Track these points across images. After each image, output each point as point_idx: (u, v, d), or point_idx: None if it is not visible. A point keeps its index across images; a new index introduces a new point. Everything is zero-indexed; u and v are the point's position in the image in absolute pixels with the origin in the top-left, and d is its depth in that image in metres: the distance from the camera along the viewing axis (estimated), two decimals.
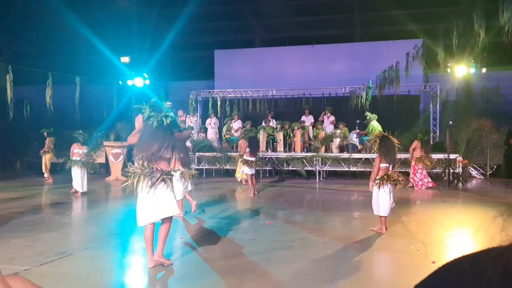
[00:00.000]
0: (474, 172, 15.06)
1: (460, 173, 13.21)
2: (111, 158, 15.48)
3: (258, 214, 8.74)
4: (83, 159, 11.57)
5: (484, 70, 16.25)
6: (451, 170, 13.16)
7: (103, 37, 17.78)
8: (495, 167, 15.21)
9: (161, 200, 5.05)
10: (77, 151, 11.52)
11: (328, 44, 19.80)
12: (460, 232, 7.19)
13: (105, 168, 16.21)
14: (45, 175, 14.48)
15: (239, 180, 13.41)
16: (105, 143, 15.77)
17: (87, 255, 5.65)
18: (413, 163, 12.49)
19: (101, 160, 16.22)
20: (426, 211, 9.05)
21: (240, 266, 5.16)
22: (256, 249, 6.04)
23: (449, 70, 15.83)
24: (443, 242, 6.43)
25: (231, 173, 14.95)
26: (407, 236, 6.63)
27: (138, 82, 18.41)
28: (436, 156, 13.65)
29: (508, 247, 0.58)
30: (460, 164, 13.38)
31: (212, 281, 4.69)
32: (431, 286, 0.64)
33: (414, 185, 12.42)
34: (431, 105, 17.04)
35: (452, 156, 13.24)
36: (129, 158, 14.44)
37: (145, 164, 5.03)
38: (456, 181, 12.95)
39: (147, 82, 18.66)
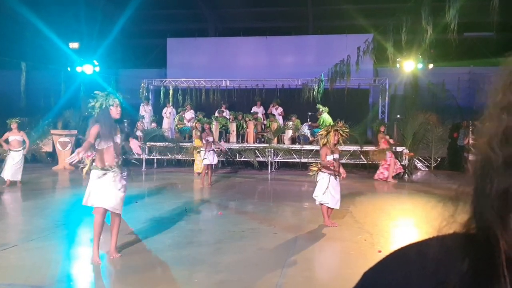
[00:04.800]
0: (419, 165, 15.67)
1: (406, 165, 13.71)
2: (58, 146, 14.94)
3: (210, 205, 8.74)
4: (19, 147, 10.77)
5: (431, 66, 16.88)
6: (398, 162, 13.63)
7: (48, 21, 16.95)
8: (439, 159, 15.88)
9: (114, 191, 4.94)
10: (14, 138, 10.74)
11: (282, 36, 19.90)
12: (405, 221, 7.49)
13: (52, 157, 15.62)
14: None
15: (198, 174, 13.02)
16: (52, 131, 15.19)
17: (32, 246, 5.45)
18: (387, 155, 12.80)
19: (48, 148, 15.62)
20: (373, 201, 9.34)
21: (191, 256, 5.14)
22: (207, 240, 6.04)
23: (398, 65, 16.33)
24: (389, 231, 6.68)
25: (183, 164, 14.80)
26: (355, 226, 6.83)
27: (88, 69, 17.81)
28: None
29: (450, 235, 0.61)
30: (406, 157, 13.89)
31: (162, 272, 4.65)
32: (378, 274, 0.67)
33: (386, 177, 12.70)
34: (380, 99, 17.54)
35: (399, 148, 13.71)
36: (77, 146, 13.96)
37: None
38: (402, 173, 13.43)
39: (97, 69, 18.08)
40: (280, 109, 16.79)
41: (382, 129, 13.37)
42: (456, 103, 16.34)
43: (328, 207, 6.80)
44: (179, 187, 11.44)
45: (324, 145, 6.82)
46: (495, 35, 17.32)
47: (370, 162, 13.97)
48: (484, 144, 0.60)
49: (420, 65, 16.31)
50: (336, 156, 6.81)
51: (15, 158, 10.61)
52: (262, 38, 19.86)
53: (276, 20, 21.43)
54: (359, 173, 13.91)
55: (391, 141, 13.21)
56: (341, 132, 6.84)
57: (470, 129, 14.43)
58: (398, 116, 14.52)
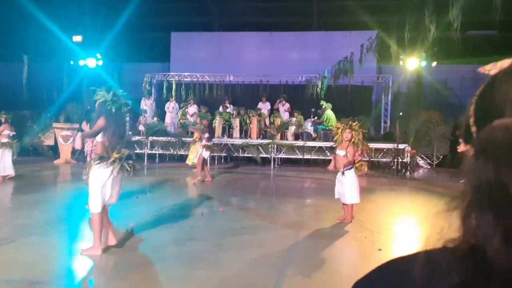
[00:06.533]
0: (421, 162, 15.63)
1: (408, 163, 13.67)
2: (60, 140, 14.94)
3: (212, 201, 8.73)
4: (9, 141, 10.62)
5: (434, 63, 16.80)
6: (400, 160, 13.61)
7: (52, 14, 16.95)
8: (441, 157, 15.83)
9: (115, 185, 5.05)
10: (7, 132, 10.58)
11: (286, 32, 19.85)
12: (406, 219, 7.47)
13: (54, 150, 15.64)
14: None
15: (191, 165, 13.12)
16: (54, 124, 15.19)
17: (32, 241, 5.45)
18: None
19: (50, 142, 15.64)
20: (374, 199, 9.31)
21: (191, 253, 5.14)
22: (207, 236, 6.04)
23: (401, 63, 16.26)
24: (390, 229, 6.66)
25: (185, 158, 14.78)
26: (356, 223, 6.80)
27: (91, 62, 17.80)
28: (386, 145, 14.07)
29: (439, 249, 0.61)
30: (409, 154, 13.85)
31: (161, 268, 4.65)
32: (368, 285, 0.69)
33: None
34: (383, 96, 17.48)
35: (401, 146, 13.67)
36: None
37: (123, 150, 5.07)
38: (404, 170, 13.40)
39: (100, 63, 18.07)
40: (287, 105, 16.76)
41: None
42: (459, 101, 16.25)
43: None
44: (181, 182, 11.44)
45: (352, 143, 6.82)
46: (498, 34, 17.22)
47: (372, 160, 13.93)
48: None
49: (423, 63, 16.23)
50: (344, 153, 6.79)
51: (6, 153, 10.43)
52: (266, 33, 19.81)
53: (280, 15, 21.36)
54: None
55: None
56: (354, 130, 6.87)
57: None
58: (401, 113, 14.45)
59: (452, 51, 15.56)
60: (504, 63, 0.73)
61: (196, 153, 11.71)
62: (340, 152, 6.84)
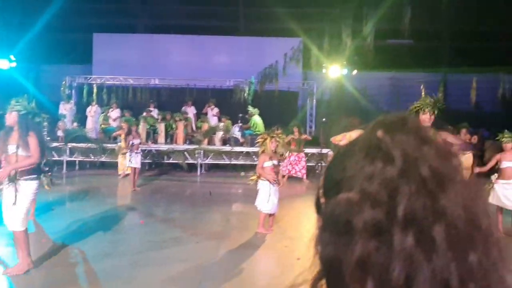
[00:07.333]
0: None
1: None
2: None
3: (133, 212, 8.46)
4: None
5: (354, 72, 17.48)
6: (323, 164, 13.99)
7: None
8: None
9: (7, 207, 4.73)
10: None
11: (214, 36, 19.72)
12: None
13: None
14: None
15: (124, 175, 12.50)
16: None
17: None
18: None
19: None
20: (296, 205, 9.39)
21: (105, 271, 4.92)
22: (125, 251, 5.82)
23: (324, 70, 16.76)
24: (309, 236, 6.77)
25: (107, 166, 14.22)
26: (277, 232, 6.87)
27: (3, 64, 16.65)
28: (311, 150, 14.39)
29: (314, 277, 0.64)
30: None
31: None
32: None
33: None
34: (308, 102, 17.91)
35: (325, 150, 14.06)
36: None
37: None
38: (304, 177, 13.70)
39: (13, 64, 16.95)
40: (216, 110, 16.61)
41: (296, 130, 13.34)
42: (378, 107, 17.04)
43: (269, 214, 6.80)
44: (102, 191, 10.96)
45: (263, 152, 6.88)
46: (414, 43, 18.29)
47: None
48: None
49: (345, 71, 16.84)
50: (275, 162, 6.88)
51: None
52: (193, 36, 19.58)
53: (208, 18, 21.21)
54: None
55: (303, 136, 13.29)
56: (278, 139, 6.95)
57: None
58: (324, 119, 14.88)
59: (371, 60, 16.29)
60: (353, 134, 0.74)
61: (127, 161, 11.19)
62: (275, 162, 6.90)
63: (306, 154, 13.43)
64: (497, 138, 7.54)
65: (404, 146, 0.61)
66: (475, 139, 12.26)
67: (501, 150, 7.18)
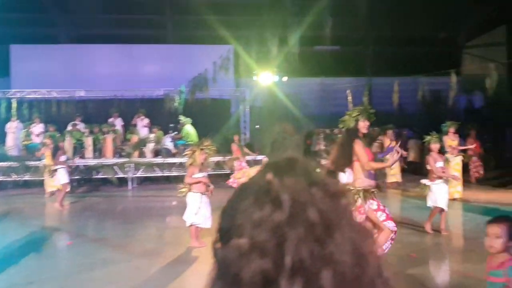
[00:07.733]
0: None
1: None
2: None
3: (60, 232, 7.99)
4: None
5: (285, 78, 17.79)
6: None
7: None
8: None
9: None
10: None
11: (142, 44, 19.28)
12: None
13: None
14: None
15: (51, 193, 11.72)
16: None
17: None
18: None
19: None
20: None
21: None
22: (51, 277, 5.46)
23: (255, 77, 16.89)
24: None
25: (31, 184, 13.37)
26: (209, 245, 6.73)
27: None
28: (247, 157, 14.42)
29: None
30: None
31: None
32: None
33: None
34: (240, 109, 17.95)
35: (259, 157, 14.15)
36: None
37: None
38: None
39: None
40: (146, 120, 16.16)
41: (236, 138, 13.44)
42: (309, 113, 17.42)
43: (200, 227, 6.64)
44: (27, 212, 10.27)
45: (191, 164, 6.74)
46: (340, 49, 18.95)
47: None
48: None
49: (275, 78, 17.07)
50: (205, 173, 6.81)
51: None
52: (120, 46, 19.00)
53: (135, 27, 20.71)
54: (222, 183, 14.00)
55: (245, 150, 13.42)
56: (207, 151, 6.87)
57: (322, 136, 15.50)
58: (257, 126, 14.98)
59: (298, 67, 16.66)
60: (251, 172, 0.69)
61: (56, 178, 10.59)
62: (205, 174, 6.82)
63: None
64: (424, 141, 7.97)
65: (292, 190, 0.59)
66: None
67: (423, 149, 7.52)
